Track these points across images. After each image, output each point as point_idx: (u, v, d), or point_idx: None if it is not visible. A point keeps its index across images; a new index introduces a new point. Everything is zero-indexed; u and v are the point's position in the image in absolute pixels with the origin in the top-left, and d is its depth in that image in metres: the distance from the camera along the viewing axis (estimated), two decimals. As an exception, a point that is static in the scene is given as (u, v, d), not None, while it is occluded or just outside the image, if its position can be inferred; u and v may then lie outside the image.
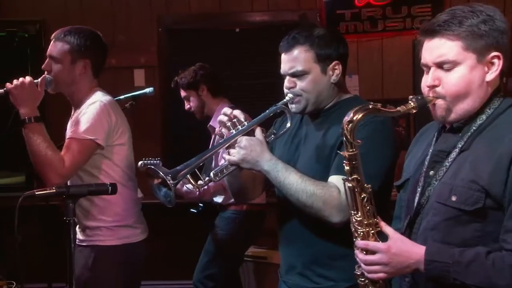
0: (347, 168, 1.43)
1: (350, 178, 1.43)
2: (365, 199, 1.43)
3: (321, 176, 1.76)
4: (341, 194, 1.68)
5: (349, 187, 1.44)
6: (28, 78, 2.15)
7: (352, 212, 1.45)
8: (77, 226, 2.30)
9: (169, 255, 4.20)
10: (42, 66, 2.26)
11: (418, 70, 4.29)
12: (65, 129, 2.34)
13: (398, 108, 1.42)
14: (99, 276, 2.19)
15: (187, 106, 3.42)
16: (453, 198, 1.38)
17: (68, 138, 2.18)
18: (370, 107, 1.41)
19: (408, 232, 1.48)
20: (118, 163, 2.24)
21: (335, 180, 1.72)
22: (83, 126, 2.15)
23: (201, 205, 3.39)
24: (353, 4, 4.25)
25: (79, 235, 2.29)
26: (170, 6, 4.41)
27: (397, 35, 4.27)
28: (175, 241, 4.24)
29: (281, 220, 1.93)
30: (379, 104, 1.42)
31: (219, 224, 3.33)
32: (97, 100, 2.21)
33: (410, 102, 1.42)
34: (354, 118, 1.39)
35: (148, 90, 2.90)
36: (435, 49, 1.41)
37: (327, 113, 1.87)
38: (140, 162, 2.66)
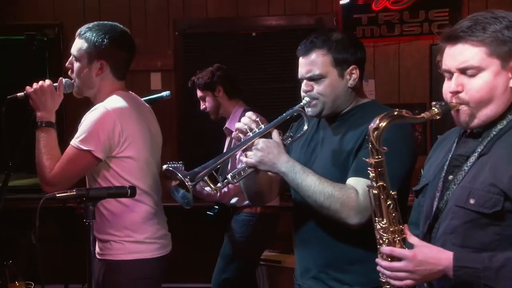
0: (372, 175, 1.42)
1: (375, 185, 1.42)
2: (391, 206, 1.42)
3: (338, 180, 1.75)
4: (359, 196, 1.68)
5: (374, 194, 1.43)
6: (47, 82, 2.12)
7: (377, 219, 1.45)
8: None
9: (182, 258, 4.20)
10: (66, 64, 2.19)
11: (435, 75, 4.27)
12: None
13: (423, 115, 1.43)
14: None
15: (202, 106, 3.43)
16: (471, 201, 1.38)
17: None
18: (396, 113, 1.40)
19: (428, 237, 1.47)
20: (126, 176, 2.10)
21: (353, 182, 1.72)
22: (80, 134, 2.06)
23: (217, 207, 3.40)
24: (370, 8, 4.23)
25: (96, 247, 2.21)
26: (187, 10, 4.43)
27: (415, 40, 4.24)
28: (189, 243, 4.24)
29: (297, 223, 1.93)
30: (404, 110, 1.42)
31: (234, 227, 3.33)
32: (101, 106, 2.09)
33: (434, 108, 1.42)
34: (380, 125, 1.39)
35: (165, 93, 2.91)
36: (459, 55, 1.41)
37: (344, 118, 1.87)
38: (164, 166, 2.64)
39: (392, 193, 1.43)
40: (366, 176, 1.61)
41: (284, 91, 4.30)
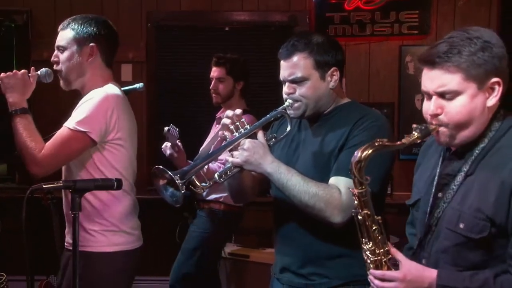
0: (356, 202, 1.47)
1: (361, 212, 1.47)
2: (376, 231, 1.48)
3: (319, 180, 1.78)
4: (342, 194, 1.73)
5: (359, 219, 1.48)
6: (22, 70, 2.12)
7: (363, 240, 1.50)
8: (66, 231, 2.24)
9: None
10: (51, 59, 2.19)
11: (404, 75, 4.36)
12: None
13: (403, 141, 1.45)
14: (89, 284, 2.07)
15: (214, 86, 3.31)
16: (461, 226, 1.43)
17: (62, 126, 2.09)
18: (377, 144, 1.43)
19: (419, 251, 1.54)
20: (116, 164, 2.13)
21: (336, 181, 1.76)
22: (78, 116, 2.06)
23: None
24: (343, 7, 4.29)
25: (69, 239, 2.20)
26: (160, 2, 4.41)
27: (385, 40, 4.32)
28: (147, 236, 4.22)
29: (278, 221, 1.96)
30: (384, 139, 1.45)
31: (198, 222, 3.34)
32: (102, 91, 2.11)
33: (414, 132, 1.46)
34: (362, 156, 1.42)
35: (138, 85, 2.86)
36: (436, 79, 1.44)
37: (326, 118, 1.90)
38: (165, 128, 2.81)
39: (377, 218, 1.48)
40: (348, 175, 1.65)
41: (256, 86, 4.32)
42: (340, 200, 1.72)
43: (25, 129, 2.05)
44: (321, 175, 1.80)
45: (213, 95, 3.32)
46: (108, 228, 2.13)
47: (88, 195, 2.05)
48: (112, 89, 2.15)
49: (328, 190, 1.74)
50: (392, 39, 4.30)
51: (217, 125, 3.38)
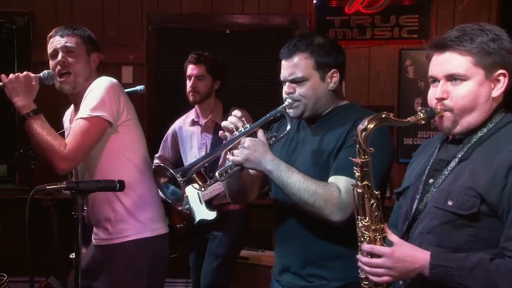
0: (357, 174, 1.46)
1: (360, 184, 1.46)
2: (374, 205, 1.47)
3: (318, 179, 1.79)
4: (341, 193, 1.74)
5: (358, 193, 1.47)
6: (24, 73, 2.15)
7: (359, 217, 1.49)
8: (96, 225, 2.28)
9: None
10: (58, 59, 2.23)
11: (403, 78, 4.38)
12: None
13: (409, 119, 1.48)
14: (135, 271, 2.21)
15: (193, 84, 3.23)
16: (449, 203, 1.44)
17: (74, 120, 2.16)
18: (383, 116, 1.45)
19: (406, 237, 1.53)
20: (136, 144, 2.26)
21: (335, 180, 1.77)
22: (90, 104, 2.12)
23: (184, 222, 3.36)
24: (343, 11, 4.30)
25: (102, 235, 2.26)
26: (161, 4, 4.42)
27: (385, 44, 4.33)
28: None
29: (277, 222, 1.97)
30: (391, 114, 1.47)
31: (225, 226, 3.26)
32: (106, 78, 2.22)
33: (419, 113, 1.48)
34: (368, 126, 1.43)
35: (139, 87, 2.88)
36: (446, 63, 1.47)
37: (324, 119, 1.92)
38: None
39: (376, 192, 1.48)
40: (347, 174, 1.70)
41: (256, 89, 4.34)
42: (340, 199, 1.73)
43: (43, 129, 2.09)
44: (320, 175, 1.80)
45: (191, 93, 3.24)
46: (156, 213, 2.29)
47: (135, 186, 2.18)
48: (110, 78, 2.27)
49: (328, 189, 1.75)
50: (392, 43, 4.32)
51: (205, 133, 3.28)
